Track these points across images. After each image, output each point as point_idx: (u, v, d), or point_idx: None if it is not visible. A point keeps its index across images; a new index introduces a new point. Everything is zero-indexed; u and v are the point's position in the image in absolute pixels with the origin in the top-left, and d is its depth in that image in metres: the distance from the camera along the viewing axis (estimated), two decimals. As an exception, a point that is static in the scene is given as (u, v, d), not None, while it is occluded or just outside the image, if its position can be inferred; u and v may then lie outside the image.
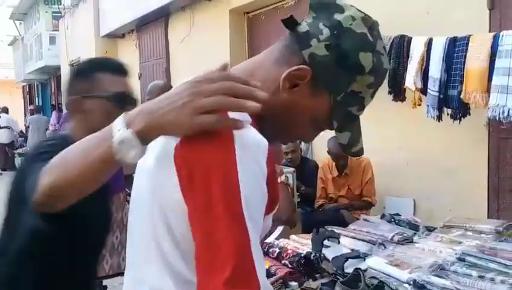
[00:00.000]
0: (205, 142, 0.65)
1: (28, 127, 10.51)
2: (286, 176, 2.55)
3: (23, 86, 21.78)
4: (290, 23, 0.75)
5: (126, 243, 2.83)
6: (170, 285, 0.70)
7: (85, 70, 1.17)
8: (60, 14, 12.56)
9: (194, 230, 0.65)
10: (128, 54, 9.31)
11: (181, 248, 0.69)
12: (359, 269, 1.43)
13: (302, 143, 4.71)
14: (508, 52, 2.39)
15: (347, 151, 0.80)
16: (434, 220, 2.45)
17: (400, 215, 2.39)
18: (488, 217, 3.00)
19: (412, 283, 1.58)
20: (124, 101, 1.12)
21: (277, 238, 2.20)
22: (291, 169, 3.31)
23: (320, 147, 4.36)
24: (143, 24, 8.23)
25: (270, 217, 0.81)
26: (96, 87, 1.14)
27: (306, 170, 3.93)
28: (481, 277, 1.56)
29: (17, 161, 11.09)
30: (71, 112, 1.20)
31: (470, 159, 3.29)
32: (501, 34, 2.50)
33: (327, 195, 3.75)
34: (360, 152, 0.80)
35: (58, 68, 13.33)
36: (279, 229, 2.39)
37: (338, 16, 0.73)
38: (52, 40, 13.62)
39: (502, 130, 3.03)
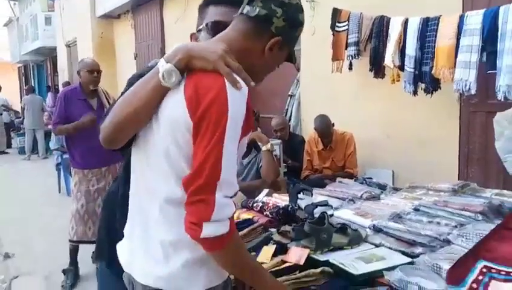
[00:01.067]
0: (208, 80, 0.97)
1: (24, 108, 10.60)
2: (272, 145, 2.81)
3: (19, 67, 21.78)
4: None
5: (91, 212, 3.12)
6: (179, 191, 0.99)
7: (200, 7, 1.34)
8: (55, -5, 12.60)
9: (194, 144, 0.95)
10: (124, 34, 9.45)
11: (189, 159, 0.97)
12: (325, 212, 1.70)
13: (292, 120, 4.99)
14: (471, 30, 2.63)
15: (295, 62, 1.18)
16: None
17: (372, 178, 2.67)
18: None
19: (372, 227, 1.86)
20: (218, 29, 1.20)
21: (262, 198, 2.47)
22: (279, 141, 3.57)
23: (308, 121, 4.62)
24: (138, 5, 8.36)
25: (245, 139, 1.09)
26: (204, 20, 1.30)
27: (294, 144, 4.20)
28: (430, 222, 1.84)
29: (16, 141, 11.30)
30: None
31: (443, 132, 3.56)
32: (465, 14, 2.73)
33: (313, 167, 4.02)
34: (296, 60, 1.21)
35: (54, 49, 13.42)
36: (265, 191, 2.67)
37: None
38: (48, 21, 13.67)
39: (471, 104, 3.29)
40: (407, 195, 2.34)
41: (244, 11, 1.06)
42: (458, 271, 0.86)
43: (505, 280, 0.81)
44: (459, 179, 3.49)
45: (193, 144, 0.95)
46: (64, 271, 3.44)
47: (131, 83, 1.43)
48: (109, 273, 1.51)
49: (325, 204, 1.86)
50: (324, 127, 3.86)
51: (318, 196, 2.33)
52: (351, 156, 3.90)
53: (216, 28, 1.22)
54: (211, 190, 0.92)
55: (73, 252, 3.43)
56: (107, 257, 1.57)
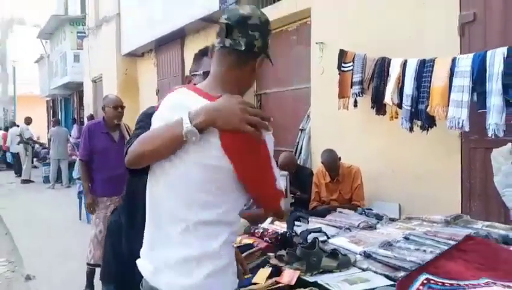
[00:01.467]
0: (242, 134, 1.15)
1: (50, 139, 11.11)
2: None
3: (47, 101, 22.83)
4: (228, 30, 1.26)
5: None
6: (212, 215, 1.19)
7: (195, 55, 1.68)
8: (84, 34, 13.42)
9: (250, 175, 1.20)
10: (146, 72, 9.97)
11: (223, 189, 1.18)
12: (316, 238, 1.86)
13: (302, 153, 5.18)
14: (462, 72, 2.82)
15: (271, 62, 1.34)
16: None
17: (372, 209, 2.81)
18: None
19: (362, 253, 2.00)
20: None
21: (265, 226, 2.64)
22: (285, 173, 3.75)
23: (318, 154, 4.80)
24: (161, 44, 8.86)
25: None
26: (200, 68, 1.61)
27: (302, 176, 4.36)
28: (417, 249, 1.97)
29: (41, 170, 11.75)
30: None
31: (446, 167, 3.68)
32: (457, 57, 2.94)
33: (320, 198, 4.16)
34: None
35: (81, 84, 14.13)
36: (270, 219, 2.84)
37: (251, 21, 1.22)
38: (76, 58, 14.49)
39: (472, 140, 3.42)
40: (401, 225, 2.47)
41: (227, 44, 1.21)
42: (406, 282, 1.02)
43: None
44: (462, 212, 3.58)
45: (246, 180, 1.20)
46: (80, 294, 3.63)
47: (140, 121, 1.67)
48: None
49: (318, 231, 2.02)
50: (331, 161, 4.02)
51: (316, 223, 2.49)
52: (357, 189, 4.03)
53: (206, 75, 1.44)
54: (278, 189, 1.26)
55: (90, 274, 3.62)
56: (114, 280, 1.75)
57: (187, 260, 1.19)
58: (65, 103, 19.74)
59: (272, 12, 5.76)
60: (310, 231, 2.00)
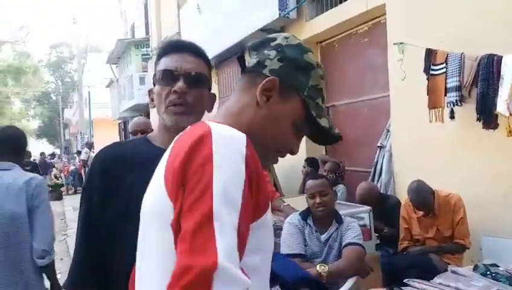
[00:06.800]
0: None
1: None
2: (324, 266, 2.25)
3: (119, 123, 23.85)
4: (241, 60, 0.94)
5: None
6: None
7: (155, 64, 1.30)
8: (148, 56, 13.63)
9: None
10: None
11: None
12: None
13: (382, 175, 4.41)
14: None
15: (331, 132, 0.90)
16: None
17: (498, 266, 2.02)
18: None
19: None
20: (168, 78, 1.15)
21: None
22: (367, 208, 3.03)
23: (402, 176, 4.02)
24: (221, 61, 8.55)
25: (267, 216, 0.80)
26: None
27: (387, 208, 3.59)
28: None
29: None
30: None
31: None
32: None
33: (412, 236, 3.35)
34: (341, 136, 0.92)
35: (147, 105, 14.37)
36: (349, 282, 2.16)
37: (274, 42, 0.90)
38: (142, 81, 14.80)
39: None
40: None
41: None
42: None
43: None
44: None
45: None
46: None
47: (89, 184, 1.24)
48: None
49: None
50: (421, 199, 3.17)
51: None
52: (460, 223, 3.18)
53: (165, 76, 1.16)
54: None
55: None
56: None
57: None
58: (135, 124, 20.40)
59: (338, 15, 5.11)
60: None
